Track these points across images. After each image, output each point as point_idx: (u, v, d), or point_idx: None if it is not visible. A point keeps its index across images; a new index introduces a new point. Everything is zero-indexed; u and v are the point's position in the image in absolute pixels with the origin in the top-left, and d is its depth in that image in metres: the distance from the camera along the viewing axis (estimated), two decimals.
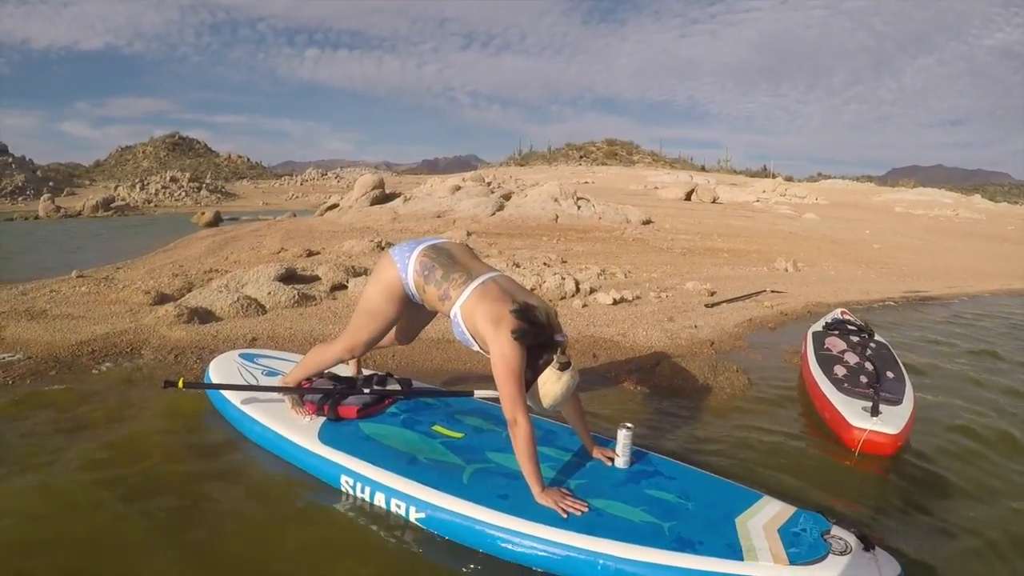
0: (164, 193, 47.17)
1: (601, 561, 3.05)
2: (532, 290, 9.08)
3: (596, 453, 3.94)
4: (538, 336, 3.40)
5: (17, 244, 19.38)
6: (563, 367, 3.40)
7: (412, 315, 4.20)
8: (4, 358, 5.88)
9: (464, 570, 3.23)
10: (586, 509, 3.37)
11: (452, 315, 3.68)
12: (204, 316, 7.28)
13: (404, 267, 3.82)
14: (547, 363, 3.41)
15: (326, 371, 4.68)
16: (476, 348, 3.69)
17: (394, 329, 4.41)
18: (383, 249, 12.46)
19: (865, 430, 4.46)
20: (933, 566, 3.39)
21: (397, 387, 4.60)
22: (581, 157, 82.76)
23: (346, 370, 4.86)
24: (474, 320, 3.55)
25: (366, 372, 4.91)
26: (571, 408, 3.87)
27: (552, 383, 3.39)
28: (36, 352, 6.04)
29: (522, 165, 77.37)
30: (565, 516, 3.29)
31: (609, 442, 4.03)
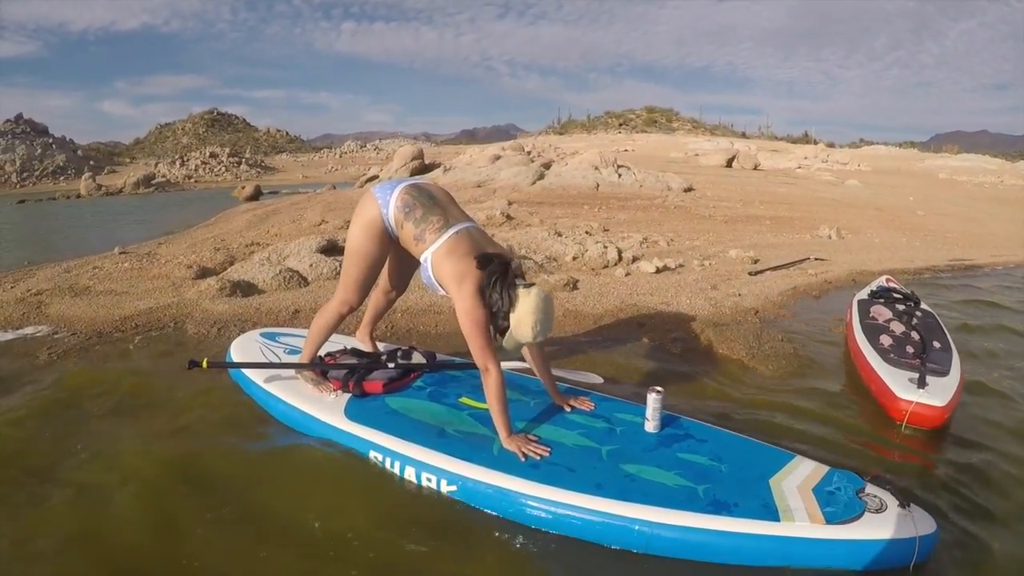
0: (204, 169, 47.69)
1: (637, 527, 3.07)
2: (574, 258, 9.10)
3: (558, 401, 4.07)
4: (504, 277, 3.52)
5: (60, 223, 19.74)
6: (527, 287, 3.52)
7: (398, 256, 4.28)
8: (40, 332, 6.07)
9: (499, 541, 3.24)
10: (547, 453, 3.50)
11: (422, 259, 3.81)
12: (246, 289, 7.40)
13: (385, 203, 3.91)
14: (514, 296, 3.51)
15: (349, 347, 4.74)
16: (442, 293, 3.82)
17: (387, 279, 4.53)
18: None
19: (912, 402, 4.42)
20: (969, 527, 3.38)
21: (422, 360, 4.61)
22: (620, 125, 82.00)
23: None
24: (441, 271, 3.69)
25: (387, 346, 4.94)
26: (536, 356, 4.01)
27: (524, 302, 3.47)
28: (80, 328, 6.19)
29: (561, 134, 76.83)
30: (524, 459, 3.44)
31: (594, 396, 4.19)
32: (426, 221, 3.79)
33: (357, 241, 4.03)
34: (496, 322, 3.57)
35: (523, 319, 3.47)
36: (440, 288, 3.79)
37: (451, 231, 3.75)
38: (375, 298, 4.61)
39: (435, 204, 3.89)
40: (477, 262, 3.58)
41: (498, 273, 3.53)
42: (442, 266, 3.67)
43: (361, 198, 4.09)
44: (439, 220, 3.79)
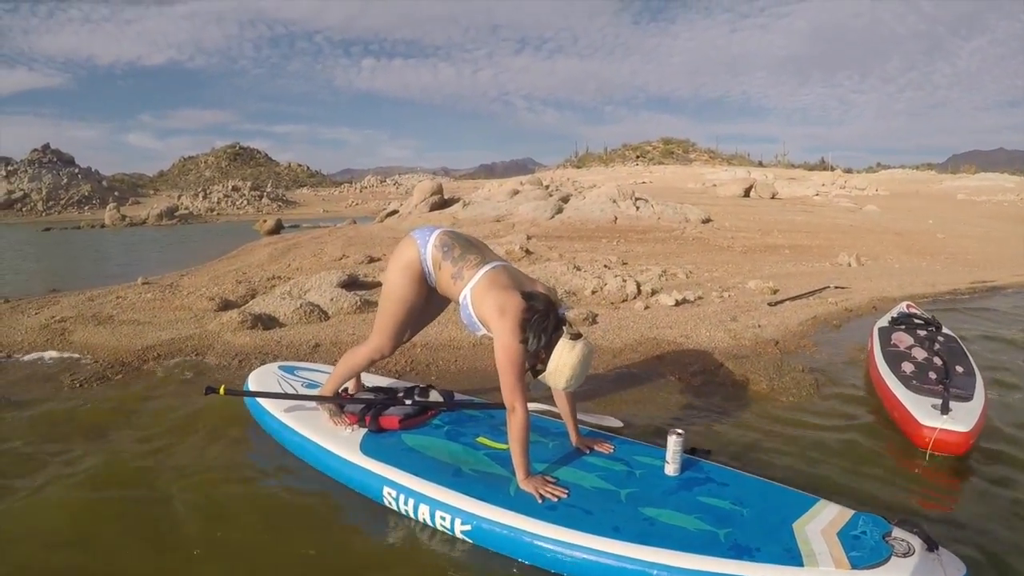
0: (226, 202, 48.17)
1: (655, 572, 2.99)
2: (593, 292, 9.11)
3: (578, 443, 4.01)
4: (543, 319, 3.46)
5: (84, 252, 19.94)
6: (574, 337, 3.45)
7: (426, 302, 4.21)
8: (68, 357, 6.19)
9: None
10: (565, 495, 3.44)
11: (462, 298, 3.76)
12: (268, 322, 7.47)
13: (424, 244, 3.91)
14: (551, 340, 3.46)
15: (366, 385, 4.74)
16: (481, 333, 3.77)
17: None
18: None
19: (936, 429, 4.39)
20: (1001, 568, 3.32)
21: (439, 399, 4.58)
22: (637, 157, 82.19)
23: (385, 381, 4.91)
24: (482, 306, 3.63)
25: (400, 382, 4.92)
26: (564, 396, 3.94)
27: (566, 354, 3.41)
28: (103, 356, 6.29)
29: (579, 167, 77.17)
30: (541, 501, 3.38)
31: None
32: (463, 260, 3.79)
33: (395, 284, 4.01)
34: (531, 361, 3.54)
35: (561, 369, 3.43)
36: (480, 327, 3.74)
37: (488, 266, 3.74)
38: None
39: (472, 245, 3.91)
40: (521, 295, 3.54)
41: (540, 312, 3.47)
42: (483, 301, 3.63)
43: (400, 242, 4.08)
44: (476, 258, 3.79)
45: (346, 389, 4.59)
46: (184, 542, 3.42)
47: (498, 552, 3.33)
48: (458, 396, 4.71)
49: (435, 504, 3.51)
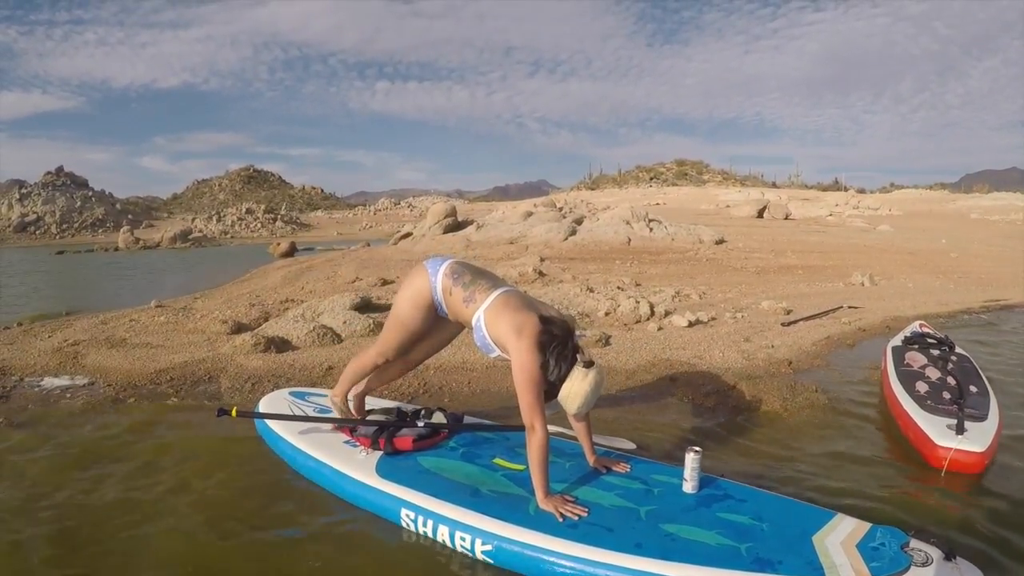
0: (240, 225, 48.43)
1: None
2: (606, 314, 9.12)
3: (594, 463, 4.02)
4: (563, 347, 3.53)
5: (98, 275, 20.02)
6: (587, 365, 3.53)
7: (433, 331, 4.30)
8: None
9: None
10: (585, 513, 3.44)
11: (475, 320, 3.82)
12: (281, 345, 7.48)
13: (435, 273, 4.00)
14: (570, 368, 3.53)
15: (377, 407, 4.74)
16: (495, 355, 3.83)
17: (409, 350, 4.46)
18: None
19: (951, 449, 4.38)
20: None
21: (448, 421, 4.55)
22: (651, 178, 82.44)
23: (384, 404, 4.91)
24: (497, 327, 3.69)
25: (403, 404, 4.91)
26: (579, 416, 3.94)
27: (579, 382, 3.50)
28: (115, 379, 6.31)
29: (592, 189, 77.40)
30: (561, 520, 3.37)
31: (636, 460, 4.14)
32: (475, 284, 3.86)
33: (402, 309, 4.12)
34: (546, 387, 3.58)
35: (575, 396, 3.53)
36: (494, 348, 3.79)
37: (500, 291, 3.81)
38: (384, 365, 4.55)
39: (482, 273, 3.99)
40: (538, 317, 3.61)
41: (559, 338, 3.54)
42: (497, 322, 3.68)
43: (412, 268, 4.18)
44: (487, 283, 3.87)
45: (359, 409, 4.61)
46: (196, 570, 3.42)
47: (520, 571, 3.32)
48: (468, 419, 4.73)
49: (455, 525, 3.49)
